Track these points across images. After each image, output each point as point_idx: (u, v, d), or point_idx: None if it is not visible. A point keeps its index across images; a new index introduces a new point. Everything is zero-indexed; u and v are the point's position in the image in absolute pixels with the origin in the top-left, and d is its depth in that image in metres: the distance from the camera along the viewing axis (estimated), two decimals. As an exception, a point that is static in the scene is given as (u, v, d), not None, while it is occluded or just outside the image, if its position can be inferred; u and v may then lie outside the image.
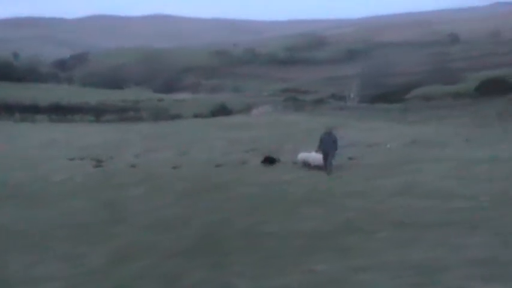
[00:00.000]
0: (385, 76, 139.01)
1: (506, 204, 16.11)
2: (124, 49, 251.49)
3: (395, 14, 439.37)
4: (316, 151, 24.01)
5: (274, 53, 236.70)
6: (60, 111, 76.97)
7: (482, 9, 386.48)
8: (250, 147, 36.66)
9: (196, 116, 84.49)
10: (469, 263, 10.84)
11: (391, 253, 11.67)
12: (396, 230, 13.57)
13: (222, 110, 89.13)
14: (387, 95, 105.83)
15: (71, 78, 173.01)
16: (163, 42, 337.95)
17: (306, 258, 11.55)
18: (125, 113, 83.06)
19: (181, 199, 18.30)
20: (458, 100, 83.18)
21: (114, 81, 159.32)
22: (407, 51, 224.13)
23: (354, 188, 19.68)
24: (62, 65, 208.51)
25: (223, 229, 14.20)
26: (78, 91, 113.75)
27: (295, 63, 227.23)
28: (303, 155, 25.66)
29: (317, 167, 24.00)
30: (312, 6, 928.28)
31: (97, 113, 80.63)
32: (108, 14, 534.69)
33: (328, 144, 23.60)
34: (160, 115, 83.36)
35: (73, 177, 23.01)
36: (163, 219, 15.46)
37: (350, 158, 27.63)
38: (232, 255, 11.88)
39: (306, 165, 25.02)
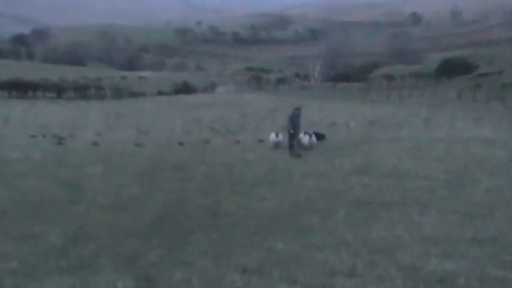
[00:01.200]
0: (347, 56, 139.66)
1: (461, 183, 16.43)
2: (85, 26, 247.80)
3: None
4: (289, 131, 23.54)
5: (237, 32, 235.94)
6: (20, 88, 75.55)
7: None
8: (212, 126, 36.60)
9: (158, 93, 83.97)
10: (424, 241, 11.06)
11: (349, 232, 11.80)
12: (354, 209, 13.71)
13: (185, 89, 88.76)
14: (349, 74, 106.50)
15: (32, 55, 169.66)
16: (125, 20, 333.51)
17: (264, 237, 11.61)
18: (86, 91, 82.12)
19: (140, 178, 18.17)
20: (419, 80, 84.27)
21: (75, 58, 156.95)
22: (369, 32, 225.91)
23: (314, 168, 19.80)
24: (21, 41, 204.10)
25: (183, 209, 14.16)
26: (39, 67, 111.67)
27: (258, 43, 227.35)
28: (273, 137, 25.51)
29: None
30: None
31: (58, 90, 79.51)
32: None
33: (297, 123, 23.39)
34: (122, 93, 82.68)
35: (31, 155, 22.63)
36: (122, 198, 15.33)
37: (320, 135, 27.75)
38: (192, 235, 11.87)
39: (277, 146, 24.95)
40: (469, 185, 16.17)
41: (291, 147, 23.26)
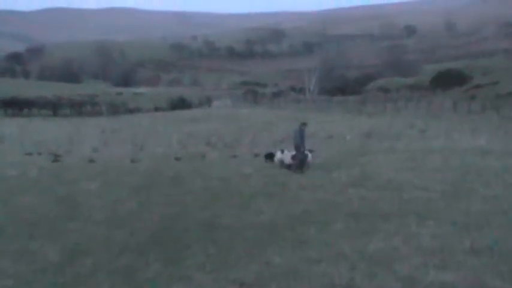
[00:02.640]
0: (342, 69, 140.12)
1: (458, 193, 16.44)
2: (80, 42, 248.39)
3: (352, 6, 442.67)
4: (298, 147, 22.64)
5: (233, 46, 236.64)
6: (16, 106, 75.59)
7: (438, 2, 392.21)
8: (209, 140, 36.60)
9: (155, 109, 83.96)
10: (422, 252, 11.05)
11: (347, 244, 11.79)
12: (352, 221, 13.70)
13: (181, 104, 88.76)
14: (345, 87, 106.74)
15: (27, 72, 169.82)
16: (121, 36, 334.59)
17: (262, 250, 11.59)
18: (82, 107, 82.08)
19: (137, 193, 18.14)
20: (414, 92, 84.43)
21: (70, 74, 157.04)
22: (364, 44, 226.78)
23: (311, 181, 19.80)
24: (17, 58, 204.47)
25: (179, 223, 14.14)
26: (34, 85, 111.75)
27: (254, 56, 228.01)
28: (280, 155, 24.24)
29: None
30: (268, 0, 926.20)
31: (54, 107, 79.46)
32: (64, 7, 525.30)
33: (301, 139, 22.64)
34: (118, 109, 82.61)
35: (28, 172, 22.58)
36: (118, 213, 15.30)
37: (310, 150, 27.78)
38: (189, 249, 11.85)
39: (283, 165, 23.57)
40: (466, 195, 16.18)
41: (301, 164, 22.45)
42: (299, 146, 22.56)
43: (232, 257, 11.22)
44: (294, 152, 23.04)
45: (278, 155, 24.25)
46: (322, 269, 10.37)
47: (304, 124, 23.10)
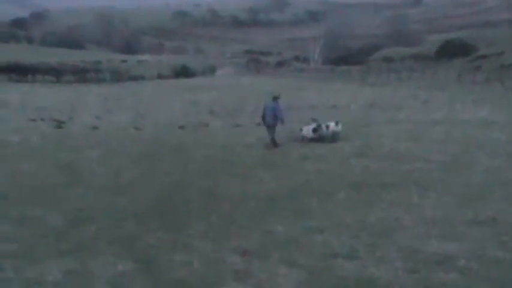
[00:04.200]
0: (346, 38, 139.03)
1: (459, 165, 16.45)
2: (84, 9, 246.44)
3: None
4: (267, 122, 21.33)
5: (236, 15, 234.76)
6: (19, 71, 75.23)
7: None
8: (212, 109, 36.54)
9: (158, 77, 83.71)
10: (423, 222, 11.08)
11: (349, 214, 11.82)
12: (353, 192, 13.73)
13: (185, 72, 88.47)
14: (349, 57, 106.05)
15: (30, 38, 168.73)
16: (124, 1, 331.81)
17: (264, 219, 11.62)
18: (86, 74, 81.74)
19: (139, 161, 18.17)
20: (418, 62, 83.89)
21: (74, 41, 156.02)
22: (368, 13, 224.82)
23: (313, 151, 19.80)
24: (20, 24, 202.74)
25: (181, 191, 14.16)
26: (38, 51, 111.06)
27: (257, 25, 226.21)
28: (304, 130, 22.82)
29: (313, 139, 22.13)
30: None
31: (57, 73, 79.15)
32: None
33: (271, 114, 21.09)
34: (121, 76, 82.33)
35: (30, 139, 22.59)
36: (120, 181, 15.33)
37: (313, 120, 27.68)
38: (190, 218, 11.87)
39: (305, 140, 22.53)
40: (468, 167, 16.18)
41: (272, 139, 21.20)
42: (283, 120, 21.06)
43: (234, 226, 11.26)
44: (313, 125, 22.49)
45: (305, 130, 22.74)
46: (323, 238, 10.41)
47: (276, 98, 21.59)
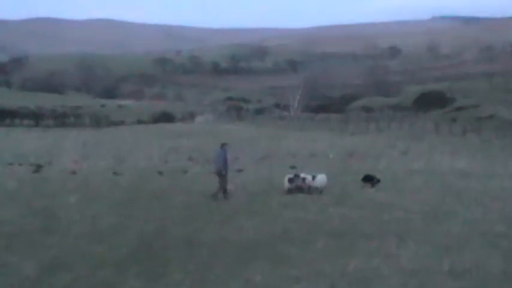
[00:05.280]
0: (326, 87, 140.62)
1: (438, 216, 16.57)
2: (64, 54, 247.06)
3: (336, 25, 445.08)
4: (219, 170, 20.55)
5: (217, 62, 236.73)
6: (-2, 116, 74.99)
7: (421, 23, 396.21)
8: (191, 156, 36.49)
9: (138, 122, 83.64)
10: (402, 273, 11.08)
11: (327, 262, 11.80)
12: (332, 240, 13.72)
13: (164, 118, 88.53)
14: (328, 105, 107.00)
15: (9, 83, 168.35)
16: (105, 48, 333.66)
17: (242, 267, 11.55)
18: (65, 119, 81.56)
19: (117, 207, 18.02)
20: (396, 112, 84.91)
21: (53, 86, 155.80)
22: (348, 63, 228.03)
23: (293, 199, 19.80)
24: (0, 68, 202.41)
25: (159, 239, 14.05)
26: (16, 95, 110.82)
27: (238, 73, 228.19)
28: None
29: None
30: (254, 15, 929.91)
31: (36, 117, 78.90)
32: (48, 17, 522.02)
33: (222, 161, 20.54)
34: (101, 121, 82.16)
35: (7, 184, 22.36)
36: (98, 228, 15.17)
37: (292, 167, 27.79)
38: (168, 266, 11.76)
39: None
40: (446, 217, 16.31)
41: (223, 188, 20.32)
42: (220, 170, 20.43)
43: (212, 275, 11.17)
44: (291, 176, 21.70)
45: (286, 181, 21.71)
46: (301, 287, 10.38)
47: (224, 144, 21.32)
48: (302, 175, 21.81)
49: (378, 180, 22.41)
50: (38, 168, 28.53)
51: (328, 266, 11.57)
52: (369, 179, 22.60)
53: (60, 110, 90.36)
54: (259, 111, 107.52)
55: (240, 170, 27.81)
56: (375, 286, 10.35)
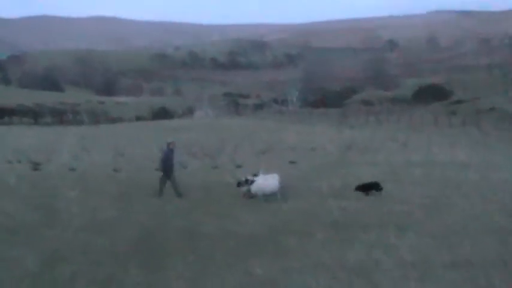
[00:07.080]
0: (325, 81, 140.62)
1: (437, 207, 16.56)
2: (62, 50, 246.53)
3: (335, 19, 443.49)
4: (162, 170, 19.69)
5: (216, 57, 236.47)
6: (-4, 113, 75.00)
7: (420, 17, 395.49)
8: (190, 150, 36.46)
9: (137, 119, 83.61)
10: (402, 264, 11.07)
11: (327, 254, 11.80)
12: (332, 232, 13.73)
13: (163, 113, 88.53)
14: (328, 99, 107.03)
15: (8, 80, 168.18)
16: (104, 44, 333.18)
17: (242, 259, 11.56)
18: (63, 116, 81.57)
19: (117, 201, 18.04)
20: (395, 105, 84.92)
21: (52, 82, 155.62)
22: (346, 57, 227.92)
23: (292, 191, 19.78)
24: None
25: (160, 231, 14.07)
26: (15, 92, 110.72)
27: (237, 67, 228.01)
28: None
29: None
30: (252, 10, 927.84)
31: (35, 115, 78.92)
32: (49, 15, 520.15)
33: (169, 160, 19.64)
34: (100, 118, 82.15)
35: (6, 180, 22.36)
36: (98, 221, 15.19)
37: (291, 162, 27.84)
38: (169, 258, 11.77)
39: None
40: (446, 208, 16.31)
41: (161, 189, 19.44)
42: (166, 170, 19.52)
43: (212, 266, 11.17)
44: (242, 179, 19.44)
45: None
46: (302, 279, 10.37)
47: (170, 143, 20.28)
48: (250, 178, 19.18)
49: (381, 188, 18.80)
50: (37, 165, 28.53)
51: (328, 257, 11.57)
52: (367, 188, 18.93)
53: (58, 107, 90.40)
54: (258, 106, 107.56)
55: (238, 166, 27.76)
56: (375, 277, 10.35)
